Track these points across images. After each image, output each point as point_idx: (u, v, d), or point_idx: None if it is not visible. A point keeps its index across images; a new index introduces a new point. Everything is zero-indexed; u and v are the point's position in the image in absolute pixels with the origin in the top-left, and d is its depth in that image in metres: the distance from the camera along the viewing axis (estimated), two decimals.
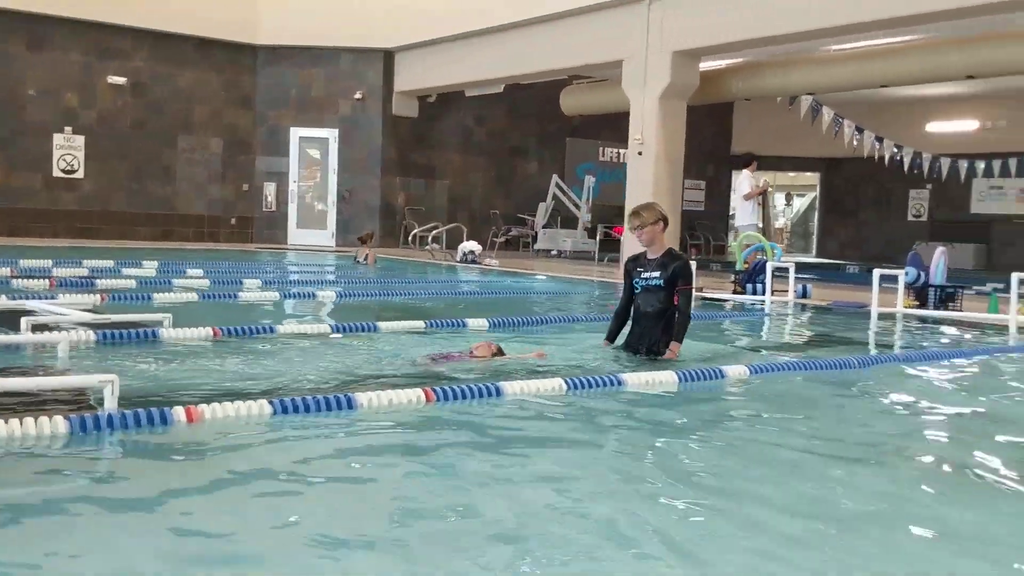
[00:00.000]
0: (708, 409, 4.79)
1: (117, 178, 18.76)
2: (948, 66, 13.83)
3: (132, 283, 9.77)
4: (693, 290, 6.11)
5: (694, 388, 5.14)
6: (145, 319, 6.66)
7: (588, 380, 4.90)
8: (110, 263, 11.80)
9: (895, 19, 12.20)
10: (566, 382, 4.81)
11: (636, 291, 6.06)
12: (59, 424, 3.55)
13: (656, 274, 5.94)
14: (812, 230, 26.94)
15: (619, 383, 4.95)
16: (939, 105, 21.67)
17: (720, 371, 5.36)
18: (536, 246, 19.92)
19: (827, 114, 16.16)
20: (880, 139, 16.58)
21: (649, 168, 14.78)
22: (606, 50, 15.55)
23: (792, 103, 16.70)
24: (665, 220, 6.06)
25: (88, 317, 6.44)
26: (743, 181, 13.63)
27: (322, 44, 19.91)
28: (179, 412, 3.80)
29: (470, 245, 16.42)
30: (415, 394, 4.38)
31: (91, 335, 5.81)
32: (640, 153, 14.91)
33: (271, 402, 4.03)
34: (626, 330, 6.24)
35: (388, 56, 20.08)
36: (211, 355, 5.73)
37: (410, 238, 18.18)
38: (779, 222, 29.21)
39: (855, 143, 16.46)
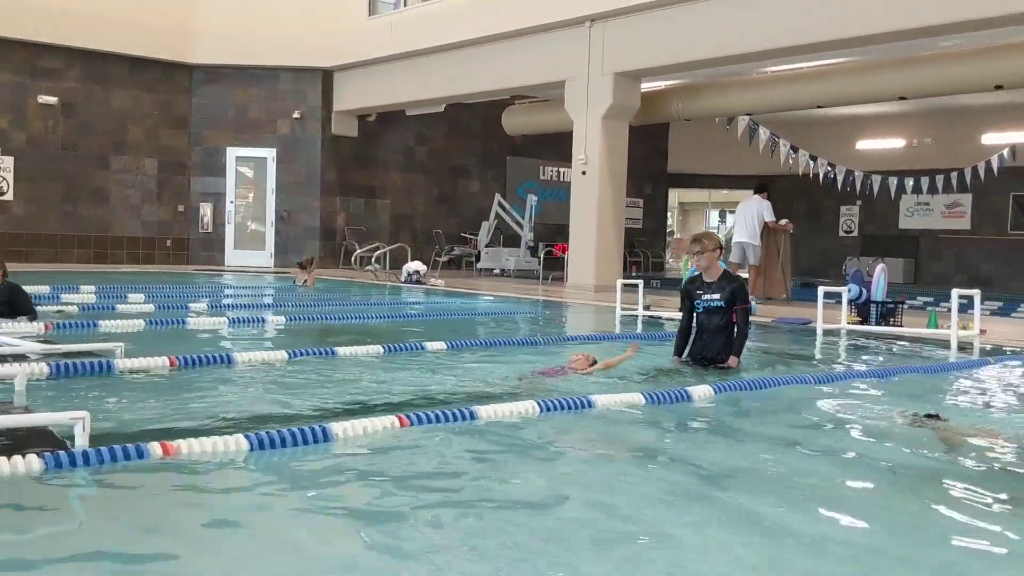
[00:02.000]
0: (675, 429, 4.86)
1: (48, 200, 18.29)
2: (881, 87, 14.27)
3: (74, 309, 9.52)
4: (750, 308, 6.77)
5: (661, 408, 5.19)
6: (97, 348, 6.50)
7: (559, 402, 4.92)
8: (46, 289, 11.47)
9: (828, 42, 12.60)
10: (538, 404, 4.83)
11: (698, 311, 6.70)
12: (33, 463, 3.43)
13: (716, 296, 6.58)
14: None
15: (590, 404, 4.99)
16: (869, 124, 22.34)
17: (686, 392, 5.43)
18: (479, 265, 19.94)
19: (764, 134, 16.52)
20: (814, 158, 16.98)
21: (593, 187, 14.95)
22: (548, 71, 15.70)
23: (730, 123, 17.03)
24: (721, 248, 6.78)
25: (39, 347, 6.26)
26: (765, 208, 13.69)
27: (260, 63, 19.72)
28: (155, 447, 3.71)
29: (414, 265, 16.36)
30: (389, 421, 4.36)
31: (44, 367, 5.64)
32: (584, 172, 15.07)
33: (247, 436, 3.96)
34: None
35: (327, 75, 19.97)
36: (171, 386, 5.61)
37: (353, 259, 18.04)
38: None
39: (791, 162, 16.83)
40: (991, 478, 3.94)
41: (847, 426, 4.97)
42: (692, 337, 6.80)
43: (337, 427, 4.18)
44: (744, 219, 13.77)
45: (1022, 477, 4.03)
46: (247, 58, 19.65)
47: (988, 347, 8.66)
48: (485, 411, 4.63)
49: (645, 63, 14.51)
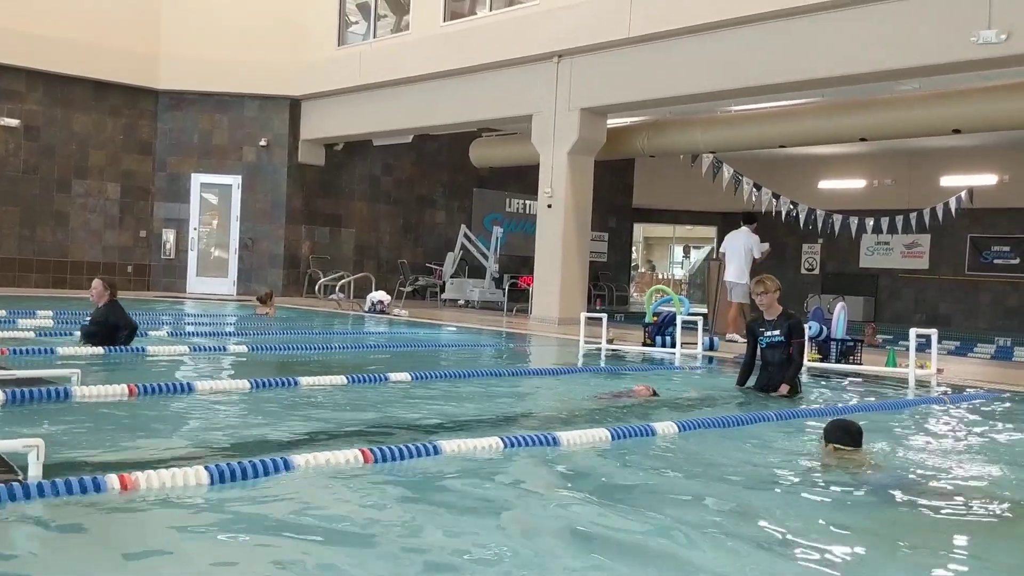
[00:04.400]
0: (640, 464, 4.84)
1: (7, 223, 18.02)
2: (842, 128, 14.53)
3: (30, 334, 9.36)
4: (805, 342, 7.60)
5: (626, 445, 5.19)
6: (52, 375, 6.37)
7: (524, 439, 4.91)
8: (1, 312, 11.29)
9: (790, 84, 12.81)
10: (502, 440, 4.81)
11: (762, 346, 7.48)
12: None
13: (777, 332, 7.37)
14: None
15: (555, 442, 4.97)
16: (830, 163, 22.72)
17: (650, 428, 5.44)
18: (443, 295, 19.91)
19: (727, 171, 16.71)
20: (777, 196, 17.19)
21: (559, 221, 15.03)
22: (515, 105, 15.81)
23: (694, 161, 17.23)
24: (779, 289, 7.54)
25: None
26: (755, 244, 13.49)
27: (227, 90, 19.66)
28: (112, 480, 3.64)
29: (379, 295, 16.30)
30: (352, 454, 4.31)
31: None
32: (549, 206, 15.14)
33: (207, 468, 3.90)
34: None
35: (295, 104, 19.95)
36: (131, 415, 5.53)
37: (317, 287, 17.93)
38: (679, 274, 29.96)
39: (753, 199, 17.03)
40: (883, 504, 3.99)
41: (776, 465, 5.00)
42: (759, 370, 7.55)
43: (299, 459, 4.14)
44: (734, 255, 13.52)
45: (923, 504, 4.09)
46: (214, 85, 19.59)
47: (945, 386, 8.77)
48: (449, 446, 4.60)
49: (611, 99, 14.66)
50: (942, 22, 10.93)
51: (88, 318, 8.77)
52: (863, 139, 14.84)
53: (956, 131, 13.24)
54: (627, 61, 14.17)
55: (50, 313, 11.65)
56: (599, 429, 5.26)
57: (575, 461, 4.75)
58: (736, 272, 13.42)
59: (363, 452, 4.34)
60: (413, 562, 3.06)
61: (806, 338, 9.99)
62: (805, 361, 9.83)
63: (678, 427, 5.58)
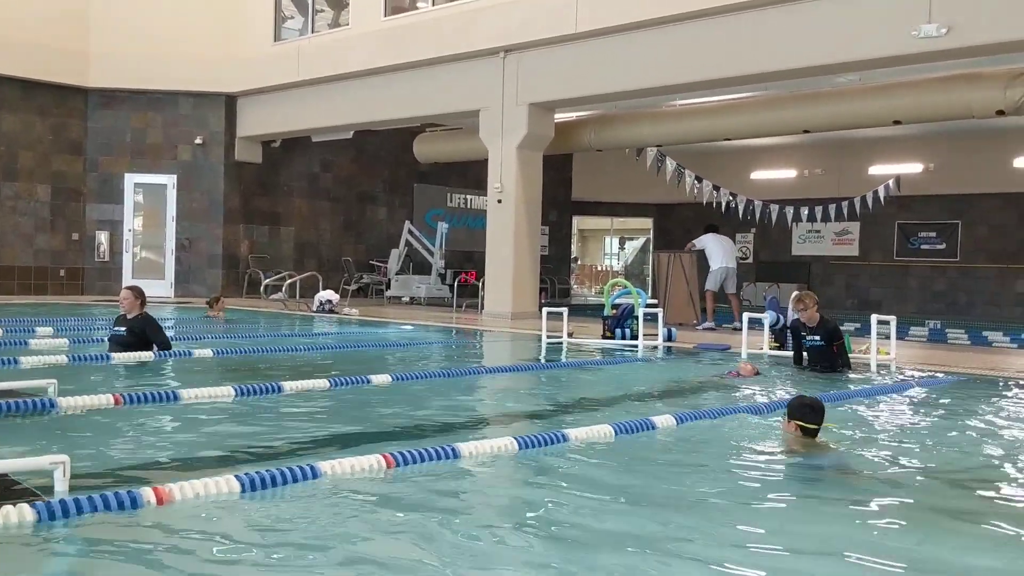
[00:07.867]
0: (642, 456, 4.94)
1: None
2: (786, 121, 14.87)
3: None
4: (844, 343, 8.93)
5: (629, 439, 5.28)
6: (28, 387, 6.18)
7: (536, 438, 4.95)
8: None
9: (733, 78, 13.07)
10: (516, 440, 4.85)
11: (806, 346, 8.85)
12: (25, 513, 3.25)
13: (817, 338, 8.76)
14: (646, 272, 28.06)
15: (564, 439, 5.03)
16: (763, 154, 23.20)
17: (650, 422, 5.53)
18: (389, 293, 19.78)
19: (670, 164, 16.97)
20: (717, 187, 17.53)
21: (509, 215, 15.07)
22: (462, 100, 15.78)
23: (639, 154, 17.44)
24: (817, 303, 8.83)
25: None
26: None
27: (159, 87, 19.19)
28: (148, 493, 3.57)
29: (327, 294, 16.11)
30: (375, 459, 4.30)
31: None
32: (500, 201, 15.17)
33: (237, 477, 3.85)
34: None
35: (230, 100, 19.57)
36: (123, 425, 5.39)
37: (262, 288, 17.65)
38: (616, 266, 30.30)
39: (695, 191, 17.33)
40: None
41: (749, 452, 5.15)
42: (806, 358, 8.91)
43: (325, 465, 4.11)
44: (731, 251, 15.14)
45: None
46: (146, 82, 19.09)
47: (910, 370, 9.08)
48: (467, 448, 4.62)
49: (559, 95, 14.74)
50: (884, 17, 11.27)
51: (122, 329, 8.45)
52: (806, 131, 15.21)
53: (897, 122, 13.66)
54: (574, 56, 14.27)
55: None
56: (604, 426, 5.33)
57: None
58: (733, 261, 15.00)
59: (385, 457, 4.32)
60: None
61: (767, 327, 10.37)
62: (767, 349, 10.19)
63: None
